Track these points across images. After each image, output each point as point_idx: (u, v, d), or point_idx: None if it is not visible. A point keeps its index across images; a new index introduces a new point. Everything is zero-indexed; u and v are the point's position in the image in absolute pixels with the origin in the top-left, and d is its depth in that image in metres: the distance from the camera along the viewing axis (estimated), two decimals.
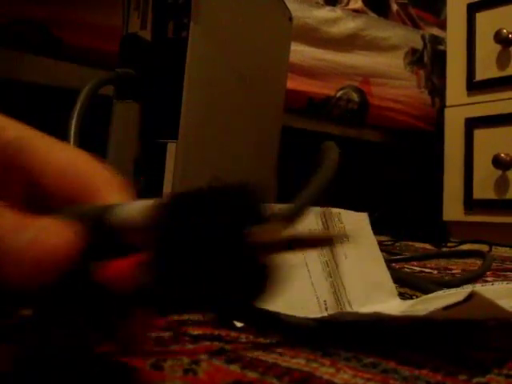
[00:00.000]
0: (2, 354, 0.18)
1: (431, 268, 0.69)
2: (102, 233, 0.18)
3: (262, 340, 0.28)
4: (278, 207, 0.40)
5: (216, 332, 0.29)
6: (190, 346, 0.26)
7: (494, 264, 0.78)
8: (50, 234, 0.17)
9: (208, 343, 0.27)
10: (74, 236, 0.17)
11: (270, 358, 0.25)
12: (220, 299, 0.16)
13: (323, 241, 0.16)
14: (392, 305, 0.38)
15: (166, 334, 0.28)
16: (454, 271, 0.67)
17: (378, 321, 0.28)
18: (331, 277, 0.37)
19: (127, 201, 0.20)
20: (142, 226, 0.17)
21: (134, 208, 0.18)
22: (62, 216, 0.18)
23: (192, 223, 0.15)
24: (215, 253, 0.15)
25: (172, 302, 0.16)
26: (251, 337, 0.29)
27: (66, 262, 0.17)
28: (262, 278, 0.15)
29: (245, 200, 0.16)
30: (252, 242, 0.15)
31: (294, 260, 0.35)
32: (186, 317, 0.32)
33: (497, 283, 0.37)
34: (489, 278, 0.59)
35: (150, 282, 0.16)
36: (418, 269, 0.67)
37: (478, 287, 0.37)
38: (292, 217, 0.16)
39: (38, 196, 0.21)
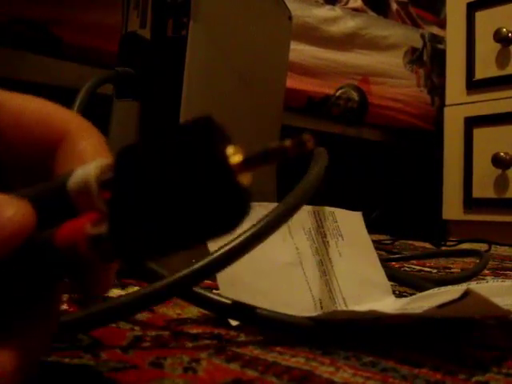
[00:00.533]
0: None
1: (430, 267, 0.69)
2: (59, 202, 0.17)
3: (261, 339, 0.28)
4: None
5: (216, 331, 0.29)
6: (190, 345, 0.26)
7: (493, 263, 0.78)
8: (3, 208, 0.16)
9: (208, 342, 0.27)
10: (28, 207, 0.16)
11: (270, 356, 0.25)
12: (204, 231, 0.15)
13: (293, 148, 0.15)
14: (387, 303, 0.38)
15: (166, 333, 0.28)
16: (453, 270, 0.67)
17: (374, 319, 0.28)
18: (326, 275, 0.37)
19: (90, 156, 0.19)
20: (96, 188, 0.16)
21: (87, 172, 0.17)
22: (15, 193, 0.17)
23: (157, 159, 0.15)
24: (190, 185, 0.14)
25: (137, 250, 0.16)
26: (251, 336, 0.29)
27: (22, 235, 0.16)
28: (243, 201, 0.15)
29: (206, 128, 0.15)
30: (228, 163, 0.15)
31: (288, 259, 0.35)
32: (185, 316, 0.32)
33: (491, 281, 0.37)
34: (488, 278, 0.59)
35: (106, 234, 0.15)
36: (417, 267, 0.67)
37: (473, 285, 0.37)
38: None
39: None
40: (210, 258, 0.26)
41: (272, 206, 0.31)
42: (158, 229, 0.15)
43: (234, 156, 0.15)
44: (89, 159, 0.18)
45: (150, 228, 0.15)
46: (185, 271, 0.26)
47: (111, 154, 0.19)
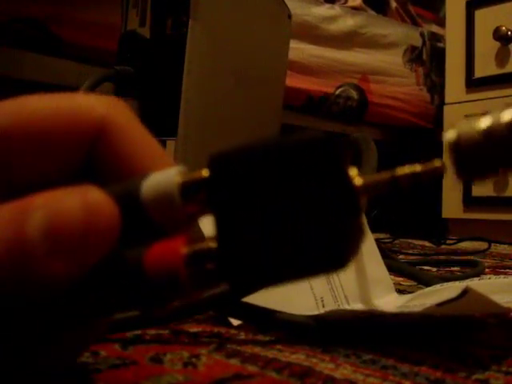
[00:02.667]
0: None
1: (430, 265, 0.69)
2: (132, 212, 0.14)
3: (261, 337, 0.28)
4: None
5: (215, 329, 0.29)
6: (189, 342, 0.26)
7: (493, 261, 0.78)
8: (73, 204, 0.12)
9: (208, 340, 0.27)
10: (110, 203, 0.13)
11: (270, 353, 0.25)
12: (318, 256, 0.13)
13: (433, 171, 0.14)
14: (389, 300, 0.38)
15: (165, 332, 0.28)
16: (452, 269, 0.67)
17: (375, 317, 0.28)
18: None
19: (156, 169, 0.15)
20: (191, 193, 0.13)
21: (168, 180, 0.14)
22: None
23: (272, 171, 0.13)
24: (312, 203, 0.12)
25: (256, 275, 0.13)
26: (250, 334, 0.29)
27: (115, 234, 0.13)
28: (360, 226, 0.13)
29: (327, 144, 0.13)
30: (356, 185, 0.13)
31: None
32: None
33: (494, 277, 0.37)
34: (489, 275, 0.59)
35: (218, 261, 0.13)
36: (417, 267, 0.67)
37: (475, 281, 0.37)
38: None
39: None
40: None
41: None
42: (276, 250, 0.13)
43: (357, 178, 0.13)
44: (159, 161, 0.15)
45: (266, 248, 0.13)
46: None
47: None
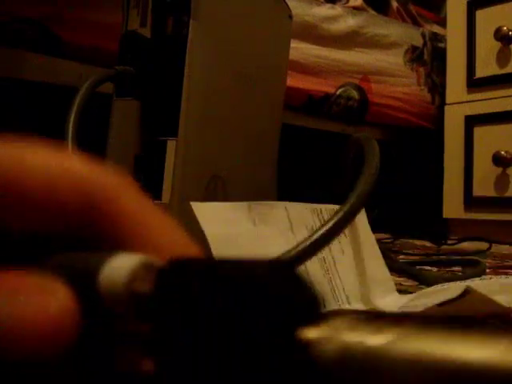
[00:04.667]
0: None
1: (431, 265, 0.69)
2: (90, 299, 0.13)
3: None
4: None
5: None
6: None
7: (494, 262, 0.78)
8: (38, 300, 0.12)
9: None
10: (71, 300, 0.12)
11: None
12: None
13: None
14: (390, 300, 0.38)
15: None
16: (453, 268, 0.67)
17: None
18: (329, 273, 0.37)
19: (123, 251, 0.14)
20: (129, 297, 0.12)
21: (124, 267, 0.13)
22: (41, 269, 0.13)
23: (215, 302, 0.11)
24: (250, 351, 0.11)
25: None
26: None
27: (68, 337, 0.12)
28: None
29: (286, 282, 0.12)
30: (304, 342, 0.11)
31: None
32: None
33: (495, 277, 0.37)
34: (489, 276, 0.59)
35: None
36: (418, 266, 0.67)
37: (476, 281, 0.37)
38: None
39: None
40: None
41: (275, 204, 0.31)
42: None
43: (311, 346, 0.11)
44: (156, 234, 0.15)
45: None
46: None
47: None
